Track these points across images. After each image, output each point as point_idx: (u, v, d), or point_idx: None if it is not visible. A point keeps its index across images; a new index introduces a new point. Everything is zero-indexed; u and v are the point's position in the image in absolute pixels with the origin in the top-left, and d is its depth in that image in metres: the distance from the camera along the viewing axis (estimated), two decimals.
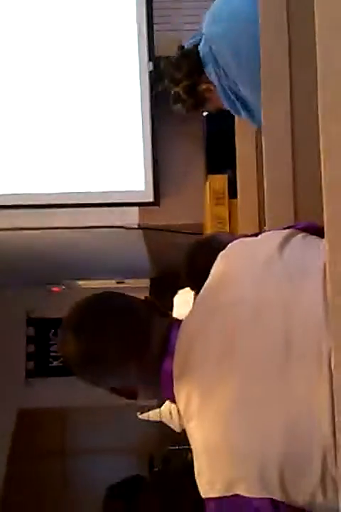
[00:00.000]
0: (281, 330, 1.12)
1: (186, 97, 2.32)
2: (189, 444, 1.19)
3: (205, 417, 1.13)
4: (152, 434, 5.51)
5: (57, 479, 5.99)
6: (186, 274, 2.00)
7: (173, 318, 1.30)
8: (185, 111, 2.40)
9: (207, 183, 3.54)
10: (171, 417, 2.79)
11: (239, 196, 2.90)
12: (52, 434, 6.05)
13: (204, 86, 2.31)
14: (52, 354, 6.14)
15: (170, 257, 4.50)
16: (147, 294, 5.11)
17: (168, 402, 2.84)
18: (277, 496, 1.06)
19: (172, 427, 2.84)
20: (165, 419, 2.85)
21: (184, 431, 2.82)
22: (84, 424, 6.11)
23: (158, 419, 2.90)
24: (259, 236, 1.38)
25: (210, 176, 3.55)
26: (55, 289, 5.98)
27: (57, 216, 3.94)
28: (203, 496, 1.13)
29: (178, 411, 2.76)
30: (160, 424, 2.97)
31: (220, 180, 3.47)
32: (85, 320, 1.24)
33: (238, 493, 1.08)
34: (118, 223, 3.95)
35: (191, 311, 1.27)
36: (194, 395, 1.14)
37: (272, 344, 1.12)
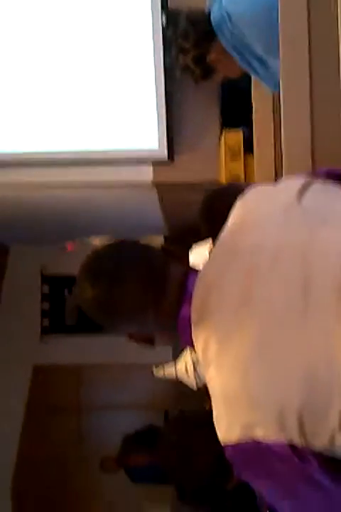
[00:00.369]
0: (299, 277, 1.11)
1: (194, 67, 2.28)
2: (205, 399, 1.20)
3: (223, 363, 1.13)
4: (167, 392, 5.56)
5: (72, 434, 6.08)
6: (204, 221, 1.99)
7: (190, 265, 1.30)
8: (194, 81, 2.36)
9: (222, 139, 3.49)
10: (187, 375, 2.80)
11: (255, 152, 2.87)
12: (67, 390, 6.11)
13: (213, 55, 2.27)
14: (67, 312, 6.18)
15: (184, 214, 4.47)
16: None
17: (183, 359, 2.85)
18: (295, 440, 1.06)
19: (188, 384, 2.85)
20: (181, 376, 2.86)
21: (199, 388, 2.83)
22: (99, 381, 6.17)
23: (174, 377, 2.91)
24: (278, 183, 1.37)
25: (225, 132, 3.50)
26: (69, 246, 5.99)
27: (71, 173, 3.92)
28: (221, 441, 1.14)
29: (193, 366, 2.77)
30: (176, 382, 2.98)
31: (235, 136, 3.43)
32: (102, 267, 1.24)
33: (256, 437, 1.08)
34: (132, 180, 3.92)
35: (209, 257, 1.26)
36: (212, 341, 1.14)
37: (290, 291, 1.11)
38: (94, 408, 6.16)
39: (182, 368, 2.85)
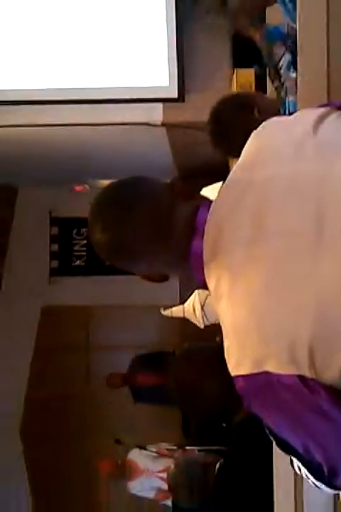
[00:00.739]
0: (313, 208, 1.09)
1: None
2: (213, 340, 1.19)
3: (235, 296, 1.11)
4: (174, 333, 5.60)
5: (80, 374, 6.17)
6: (212, 134, 1.96)
7: (202, 198, 1.27)
8: (213, 9, 2.32)
9: (234, 78, 3.43)
10: (195, 314, 2.81)
11: (268, 90, 2.81)
12: (75, 331, 6.18)
13: None
14: (75, 253, 6.21)
15: (194, 155, 4.42)
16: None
17: (191, 298, 2.86)
18: (306, 373, 1.06)
19: (196, 323, 2.86)
20: (188, 316, 2.87)
21: (207, 327, 2.83)
22: (107, 322, 6.22)
23: (182, 316, 2.92)
24: (294, 115, 1.34)
25: (237, 70, 3.44)
26: (78, 188, 5.96)
27: (79, 112, 3.87)
28: (232, 374, 1.13)
29: (200, 306, 2.78)
30: (183, 326, 2.99)
31: (247, 75, 3.37)
32: (110, 207, 1.22)
33: (267, 369, 1.08)
34: (142, 120, 3.86)
35: (222, 190, 1.24)
36: (224, 274, 1.13)
37: (303, 224, 1.09)
38: (101, 349, 6.22)
39: (190, 308, 2.86)
